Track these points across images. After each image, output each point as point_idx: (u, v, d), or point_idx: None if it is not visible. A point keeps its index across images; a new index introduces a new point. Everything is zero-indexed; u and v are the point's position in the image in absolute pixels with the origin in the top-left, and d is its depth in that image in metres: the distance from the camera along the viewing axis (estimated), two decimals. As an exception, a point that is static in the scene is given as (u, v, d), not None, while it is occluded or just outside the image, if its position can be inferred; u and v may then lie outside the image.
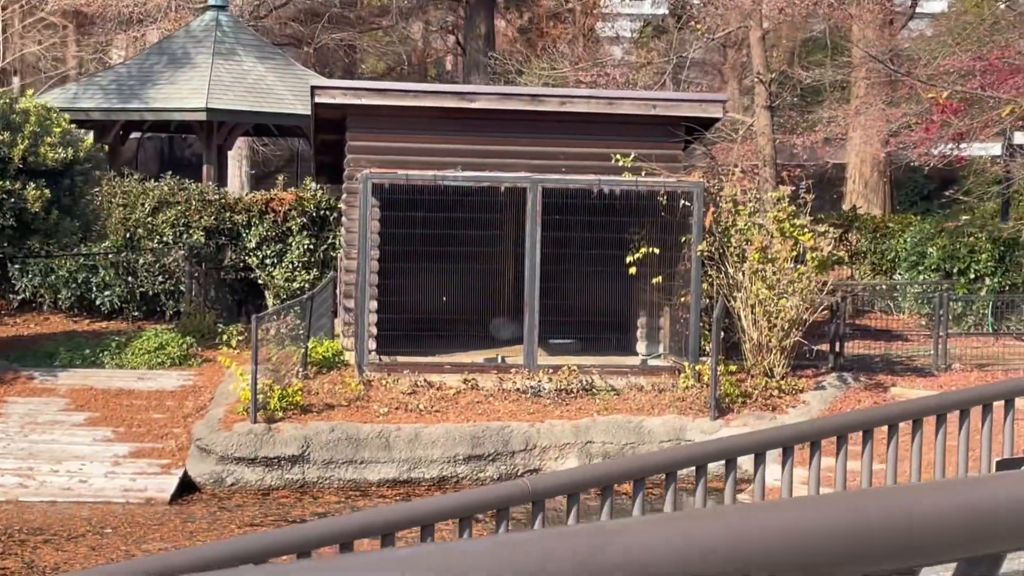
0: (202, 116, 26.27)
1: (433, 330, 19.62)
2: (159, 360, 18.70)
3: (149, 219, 22.83)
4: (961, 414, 7.57)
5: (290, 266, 23.13)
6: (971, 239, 23.22)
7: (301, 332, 19.09)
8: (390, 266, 19.18)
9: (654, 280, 18.59)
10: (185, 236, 22.74)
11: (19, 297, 23.09)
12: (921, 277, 23.73)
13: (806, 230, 17.68)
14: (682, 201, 18.08)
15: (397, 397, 17.03)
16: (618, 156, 18.59)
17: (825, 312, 19.18)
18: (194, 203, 22.92)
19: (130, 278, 22.60)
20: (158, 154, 38.25)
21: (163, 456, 15.68)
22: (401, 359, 18.73)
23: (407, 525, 6.03)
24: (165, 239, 22.72)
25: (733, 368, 17.71)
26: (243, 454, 15.46)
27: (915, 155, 21.48)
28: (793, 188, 18.61)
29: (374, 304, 19.18)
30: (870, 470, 7.53)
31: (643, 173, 18.38)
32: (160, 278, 22.61)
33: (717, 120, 19.66)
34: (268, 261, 23.22)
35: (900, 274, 24.38)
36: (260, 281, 23.30)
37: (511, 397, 17.44)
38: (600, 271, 20.03)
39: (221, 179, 29.15)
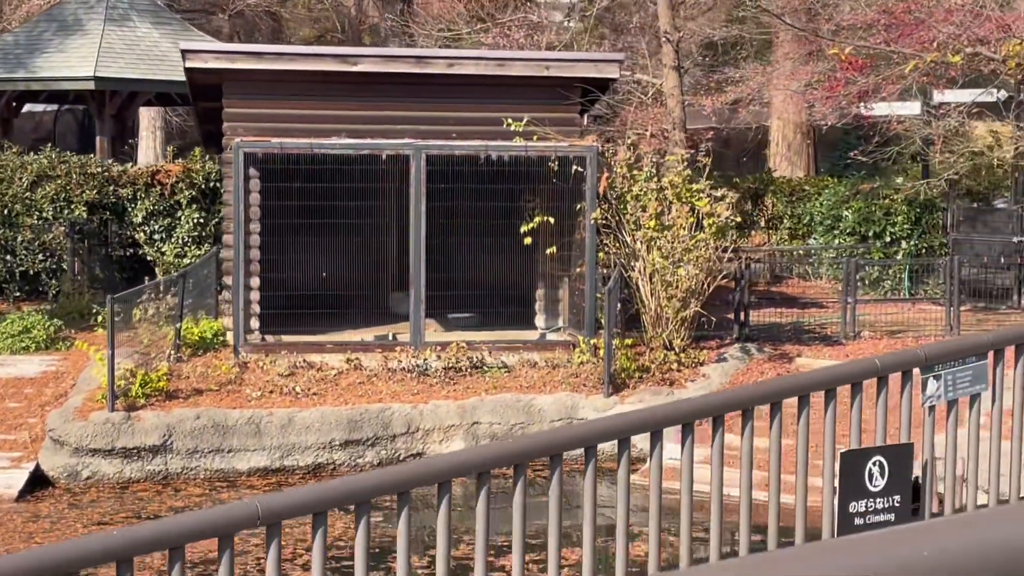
0: (90, 85, 25.07)
1: (324, 307, 18.59)
2: (23, 344, 17.60)
3: (27, 194, 21.66)
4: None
5: (180, 242, 22.06)
6: (886, 202, 22.47)
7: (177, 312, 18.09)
8: (274, 240, 18.17)
9: (548, 250, 17.69)
10: (66, 212, 21.59)
11: None
12: (836, 241, 22.97)
13: (703, 195, 16.81)
14: (574, 167, 17.17)
15: (273, 380, 16.06)
16: (510, 120, 17.61)
17: (729, 280, 18.37)
18: (75, 176, 21.77)
19: (8, 256, 21.44)
20: (79, 127, 36.71)
21: (15, 449, 14.64)
22: (287, 338, 17.76)
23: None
24: (45, 215, 21.56)
25: (629, 341, 16.86)
26: (99, 445, 14.45)
27: (819, 114, 20.64)
28: (692, 151, 17.75)
29: (256, 281, 18.18)
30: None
31: (535, 138, 17.43)
32: (40, 256, 21.47)
33: (614, 81, 18.73)
34: (157, 237, 22.13)
35: (815, 239, 23.61)
36: (149, 258, 22.21)
37: (396, 377, 16.51)
38: (497, 242, 19.08)
39: (127, 152, 27.98)
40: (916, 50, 16.21)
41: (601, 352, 16.43)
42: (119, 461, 14.50)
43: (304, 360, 16.64)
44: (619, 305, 17.40)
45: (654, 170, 17.21)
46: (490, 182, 18.38)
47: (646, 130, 23.19)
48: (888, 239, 22.54)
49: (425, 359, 16.71)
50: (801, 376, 6.95)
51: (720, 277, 17.07)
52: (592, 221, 17.12)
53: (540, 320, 19.00)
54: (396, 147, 17.01)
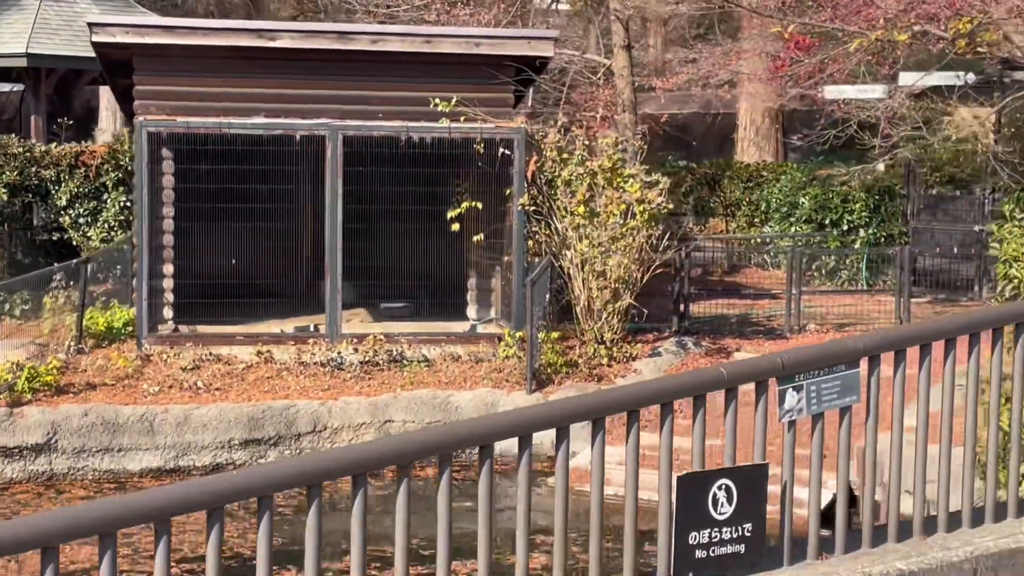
0: (22, 62, 24.13)
1: (245, 296, 17.65)
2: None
3: (-56, 176, 20.70)
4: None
5: (107, 226, 21.07)
6: (844, 188, 21.53)
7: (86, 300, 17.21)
8: (190, 226, 17.26)
9: (475, 238, 16.78)
10: (-14, 194, 20.62)
11: None
12: (793, 229, 22.05)
13: (635, 180, 15.86)
14: (501, 149, 16.25)
15: (174, 374, 15.15)
16: (437, 100, 16.64)
17: (670, 270, 17.45)
18: (-5, 157, 20.81)
19: (-75, 241, 20.51)
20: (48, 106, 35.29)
21: None
22: (204, 329, 16.85)
23: None
24: (-36, 197, 20.59)
25: (555, 335, 15.95)
26: (-24, 443, 13.54)
27: (771, 96, 19.70)
28: (640, 135, 16.83)
29: (169, 268, 17.30)
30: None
31: (462, 119, 16.49)
32: (-41, 240, 20.54)
33: (548, 59, 17.75)
34: (82, 220, 21.13)
35: (771, 226, 22.68)
36: (75, 243, 21.25)
37: (308, 371, 15.60)
38: (431, 228, 18.13)
39: (56, 132, 27.02)
40: (862, 28, 15.26)
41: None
42: (-1, 460, 13.59)
43: (211, 353, 15.73)
44: (548, 296, 16.52)
45: (585, 154, 16.27)
46: (420, 166, 17.48)
47: (596, 112, 22.26)
48: (845, 227, 21.62)
49: (340, 353, 15.81)
50: (628, 389, 6.03)
51: (655, 267, 16.14)
52: (520, 207, 16.21)
53: (472, 311, 18.08)
54: (311, 127, 16.09)
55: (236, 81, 16.91)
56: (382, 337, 15.94)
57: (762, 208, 23.08)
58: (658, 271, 16.51)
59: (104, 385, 14.65)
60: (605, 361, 15.89)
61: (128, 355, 15.56)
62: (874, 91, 21.90)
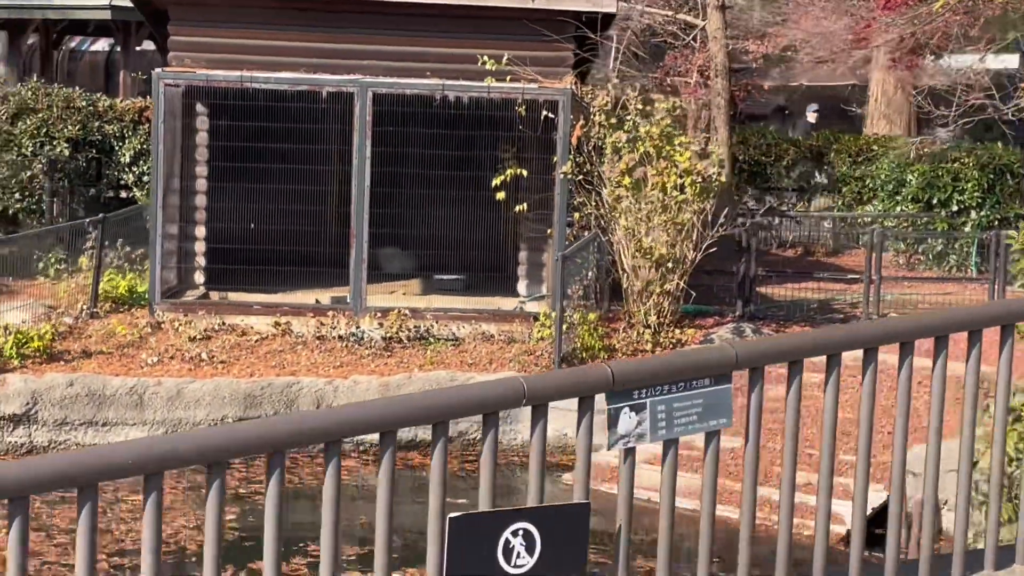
0: (106, 14, 23.56)
1: (284, 263, 16.55)
2: (-63, 291, 16.01)
3: (7, 128, 20.14)
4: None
5: (170, 184, 20.31)
6: (955, 165, 19.61)
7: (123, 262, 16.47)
8: (221, 186, 16.32)
9: (517, 208, 15.46)
10: (47, 148, 20.01)
11: None
12: (899, 208, 20.21)
13: (686, 149, 14.35)
14: (544, 112, 14.91)
15: (180, 344, 14.20)
16: (485, 58, 15.34)
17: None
18: (57, 111, 20.19)
19: (-15, 195, 19.96)
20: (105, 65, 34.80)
21: None
22: (233, 296, 15.92)
23: None
24: (24, 151, 20.02)
25: (593, 316, 14.55)
26: (-49, 411, 12.77)
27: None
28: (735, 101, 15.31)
29: (201, 231, 16.46)
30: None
31: (507, 79, 15.17)
32: (18, 195, 19.93)
33: (612, 16, 16.28)
34: (146, 178, 20.43)
35: (875, 205, 20.85)
36: (139, 201, 20.53)
37: (325, 346, 14.52)
38: (480, 198, 16.81)
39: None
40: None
41: (566, 326, 14.20)
42: (-26, 430, 12.80)
43: (224, 323, 14.76)
44: (591, 273, 15.16)
45: (638, 119, 14.81)
46: (472, 129, 16.20)
47: (688, 78, 20.75)
48: (955, 208, 19.70)
49: (361, 327, 14.69)
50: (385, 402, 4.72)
51: (706, 247, 14.62)
52: (562, 175, 14.85)
53: (522, 287, 16.77)
54: (339, 83, 14.95)
55: (271, 34, 15.87)
56: (407, 312, 14.77)
57: (868, 184, 21.26)
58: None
59: (101, 353, 13.77)
60: (649, 347, 14.46)
61: (140, 322, 14.69)
62: (1009, 61, 20.00)
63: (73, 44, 30.06)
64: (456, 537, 4.66)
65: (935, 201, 19.76)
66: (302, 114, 15.66)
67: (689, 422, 5.04)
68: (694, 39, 20.74)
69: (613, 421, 4.89)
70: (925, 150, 18.28)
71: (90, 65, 30.38)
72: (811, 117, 28.09)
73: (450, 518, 4.66)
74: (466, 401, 4.69)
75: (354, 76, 15.09)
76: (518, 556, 4.72)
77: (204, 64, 15.76)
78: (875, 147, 21.85)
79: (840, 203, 21.97)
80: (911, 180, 20.01)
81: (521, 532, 4.76)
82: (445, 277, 17.21)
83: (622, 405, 4.92)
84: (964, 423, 5.20)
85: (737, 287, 15.90)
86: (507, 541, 4.71)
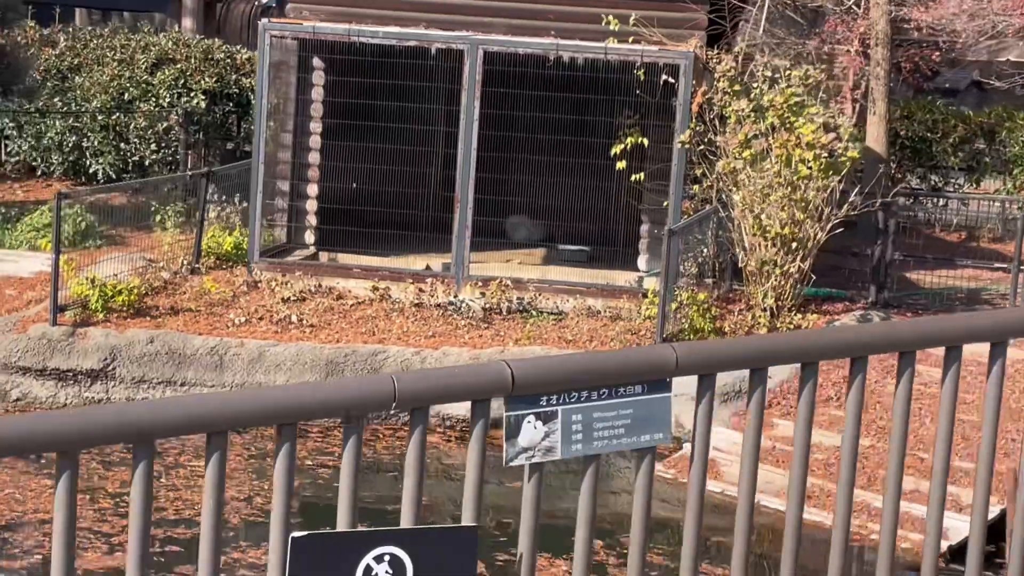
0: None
1: (386, 225, 15.82)
2: (44, 238, 15.85)
3: (146, 78, 20.03)
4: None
5: (305, 140, 19.96)
6: None
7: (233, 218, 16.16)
8: (331, 143, 15.83)
9: (633, 177, 14.58)
10: (184, 99, 19.83)
11: (13, 160, 20.76)
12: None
13: (812, 121, 13.26)
14: (664, 76, 13.99)
15: (271, 304, 13.74)
16: (610, 18, 14.48)
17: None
18: (195, 62, 19.99)
19: (122, 144, 19.87)
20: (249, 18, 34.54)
21: (-50, 358, 12.91)
22: (343, 258, 15.43)
23: None
24: (161, 102, 19.88)
25: (703, 296, 13.59)
26: (30, 363, 12.52)
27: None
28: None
29: (314, 189, 16.01)
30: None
31: (630, 40, 14.30)
32: (153, 146, 19.80)
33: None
34: (282, 134, 20.11)
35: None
36: (275, 157, 20.23)
37: (422, 314, 13.91)
38: (595, 165, 15.92)
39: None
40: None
41: (675, 306, 13.32)
42: (52, 383, 12.54)
43: (321, 285, 14.26)
44: (708, 251, 14.23)
45: (765, 87, 13.77)
46: (588, 92, 15.36)
47: (848, 47, 19.47)
48: None
49: (461, 296, 14.03)
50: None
51: (830, 227, 13.52)
52: (680, 144, 13.92)
53: (642, 261, 15.89)
54: (448, 39, 14.27)
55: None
56: (508, 283, 14.05)
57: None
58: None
59: (189, 311, 13.39)
60: (764, 332, 13.46)
61: (237, 280, 14.31)
62: None
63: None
64: (298, 559, 3.93)
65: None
66: (410, 71, 15.05)
67: (614, 435, 4.21)
68: (856, 4, 19.44)
69: (513, 431, 4.09)
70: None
71: (243, 17, 30.28)
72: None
73: (292, 537, 3.93)
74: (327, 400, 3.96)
75: (465, 32, 14.40)
76: (381, 588, 3.98)
77: (323, 17, 15.28)
78: (1020, 120, 20.28)
79: (1012, 185, 20.46)
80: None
81: (388, 558, 4.01)
82: (569, 248, 16.49)
83: (525, 412, 4.14)
84: None
85: (871, 271, 14.76)
86: (368, 568, 3.97)
